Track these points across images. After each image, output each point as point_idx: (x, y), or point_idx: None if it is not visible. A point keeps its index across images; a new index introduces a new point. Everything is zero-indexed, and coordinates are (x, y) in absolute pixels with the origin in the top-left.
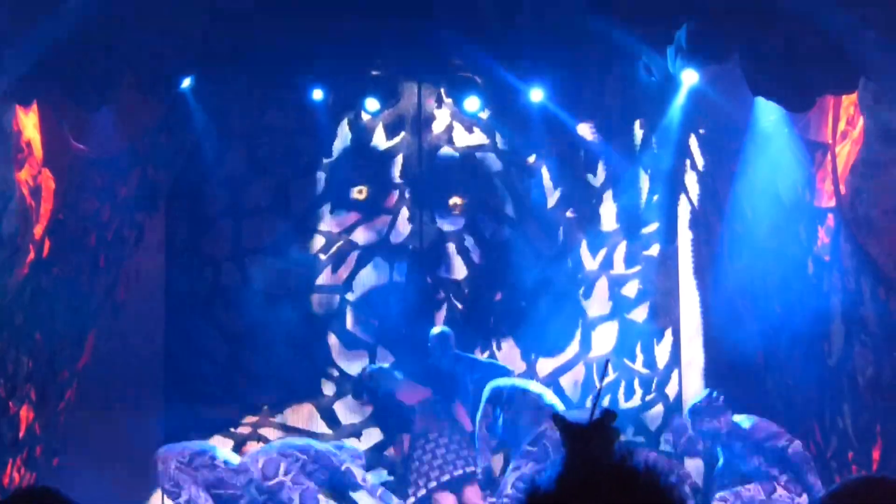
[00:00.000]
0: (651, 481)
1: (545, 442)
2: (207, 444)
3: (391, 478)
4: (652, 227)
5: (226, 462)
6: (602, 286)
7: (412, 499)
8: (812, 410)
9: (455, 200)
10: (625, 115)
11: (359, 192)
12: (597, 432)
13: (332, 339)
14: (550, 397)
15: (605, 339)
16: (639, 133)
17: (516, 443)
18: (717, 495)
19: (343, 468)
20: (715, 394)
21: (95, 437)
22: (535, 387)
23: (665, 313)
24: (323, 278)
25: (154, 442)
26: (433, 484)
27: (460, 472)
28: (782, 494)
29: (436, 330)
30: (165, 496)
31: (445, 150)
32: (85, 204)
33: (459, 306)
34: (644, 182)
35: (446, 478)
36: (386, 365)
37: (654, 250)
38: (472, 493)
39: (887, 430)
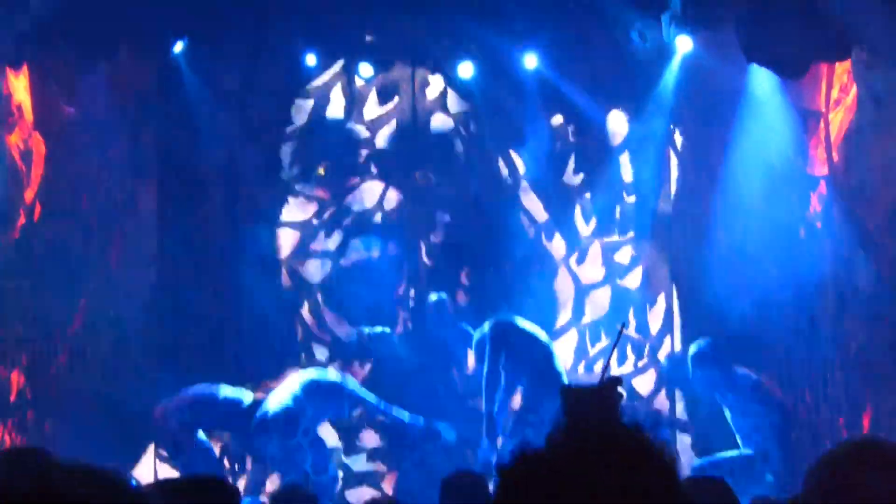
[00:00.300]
0: (642, 440)
1: (542, 412)
2: (207, 385)
3: (383, 442)
4: (645, 194)
5: (226, 399)
6: (595, 252)
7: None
8: (803, 377)
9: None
10: (619, 82)
11: (321, 168)
12: (601, 396)
13: (324, 305)
14: (559, 361)
15: (598, 305)
16: (632, 100)
17: (508, 389)
18: (695, 463)
19: (353, 396)
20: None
21: (86, 401)
22: (543, 338)
23: (658, 279)
24: (316, 244)
25: (145, 407)
26: (429, 447)
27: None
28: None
29: (433, 297)
30: (162, 453)
31: (439, 117)
32: (76, 168)
33: (451, 273)
34: (637, 149)
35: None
36: (386, 329)
37: (647, 217)
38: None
39: (877, 397)
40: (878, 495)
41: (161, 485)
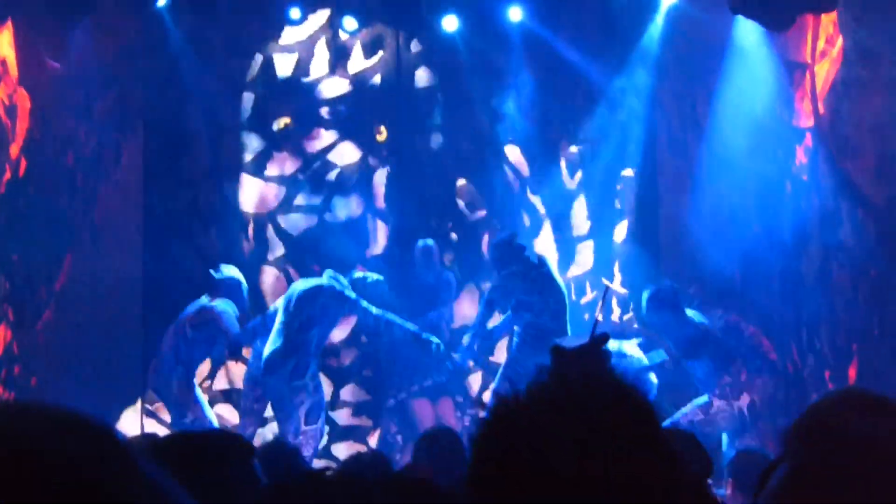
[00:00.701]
0: (624, 389)
1: (529, 366)
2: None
3: (368, 397)
4: (631, 146)
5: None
6: (581, 206)
7: (392, 401)
8: (789, 330)
9: (381, 129)
10: (604, 34)
11: (285, 122)
12: (589, 354)
13: (310, 259)
14: (566, 320)
15: (583, 258)
16: (617, 52)
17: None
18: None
19: (352, 299)
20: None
21: (73, 356)
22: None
23: (643, 233)
24: (300, 199)
25: (132, 361)
26: (414, 388)
27: (436, 380)
28: (720, 406)
29: (420, 243)
30: (149, 407)
31: (423, 70)
32: (61, 123)
33: (436, 227)
34: (623, 101)
35: (427, 384)
36: (373, 275)
37: (633, 169)
38: (446, 402)
39: (863, 348)
40: (866, 437)
41: (174, 438)
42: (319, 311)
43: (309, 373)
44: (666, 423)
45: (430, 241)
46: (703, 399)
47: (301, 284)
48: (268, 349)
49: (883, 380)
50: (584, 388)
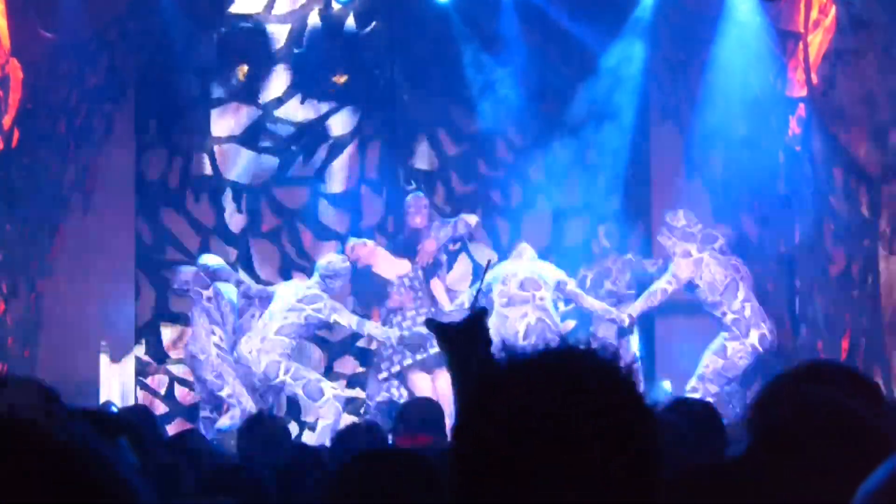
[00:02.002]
0: (605, 361)
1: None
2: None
3: (362, 369)
4: (624, 118)
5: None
6: (574, 178)
7: (385, 373)
8: (782, 300)
9: (338, 79)
10: (598, 2)
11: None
12: (466, 332)
13: (304, 230)
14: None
15: (575, 230)
16: (611, 21)
17: None
18: (688, 386)
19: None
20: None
21: (66, 328)
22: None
23: (637, 204)
24: (294, 169)
25: (125, 332)
26: (408, 361)
27: (436, 349)
28: (734, 347)
29: (409, 197)
30: (142, 379)
31: (416, 41)
32: (53, 93)
33: (430, 199)
34: (616, 71)
35: (422, 356)
36: (367, 241)
37: (627, 141)
38: (444, 374)
39: (856, 319)
40: (823, 407)
41: None
42: (304, 320)
43: (282, 371)
44: (690, 382)
45: (419, 191)
46: (717, 343)
47: (292, 290)
48: (242, 343)
49: (876, 351)
50: (567, 358)
